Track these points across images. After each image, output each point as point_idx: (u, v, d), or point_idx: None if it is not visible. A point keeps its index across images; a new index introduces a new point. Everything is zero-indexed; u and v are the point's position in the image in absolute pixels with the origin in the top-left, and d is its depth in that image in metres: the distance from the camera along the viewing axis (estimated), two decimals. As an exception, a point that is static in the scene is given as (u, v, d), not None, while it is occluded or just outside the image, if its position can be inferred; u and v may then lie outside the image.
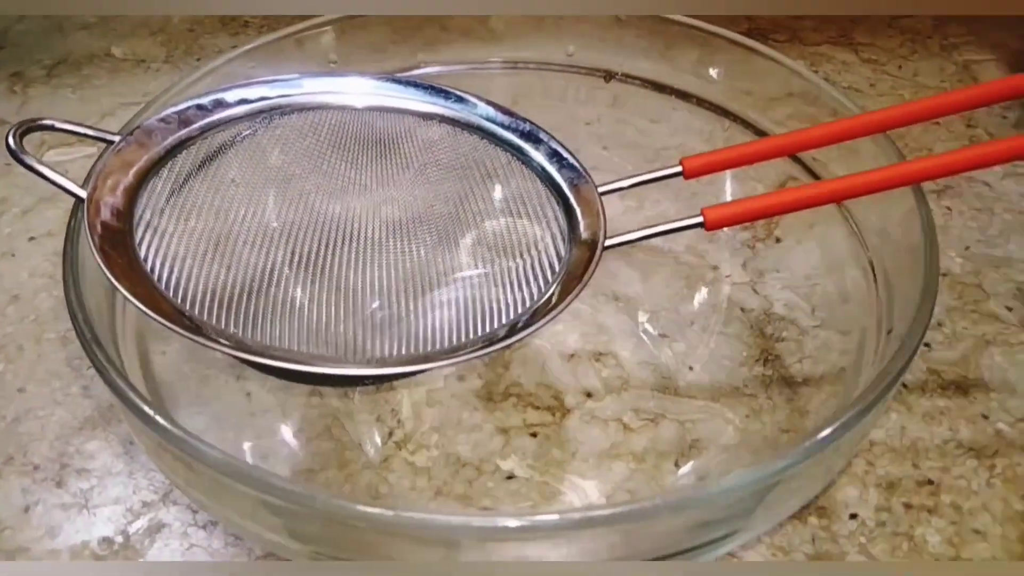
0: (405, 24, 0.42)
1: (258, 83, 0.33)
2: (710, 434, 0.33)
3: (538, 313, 0.27)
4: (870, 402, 0.22)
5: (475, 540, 0.20)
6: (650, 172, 0.31)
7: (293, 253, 0.30)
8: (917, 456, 0.32)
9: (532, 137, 0.33)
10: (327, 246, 0.30)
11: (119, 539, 0.30)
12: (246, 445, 0.33)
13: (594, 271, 0.28)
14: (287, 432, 0.33)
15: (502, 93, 0.36)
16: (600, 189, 0.31)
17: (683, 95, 0.41)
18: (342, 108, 0.33)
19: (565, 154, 0.32)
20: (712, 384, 0.34)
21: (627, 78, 0.41)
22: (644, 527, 0.20)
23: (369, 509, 0.19)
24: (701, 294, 0.38)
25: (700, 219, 0.28)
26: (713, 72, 0.41)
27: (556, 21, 0.42)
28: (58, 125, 0.29)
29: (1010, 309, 0.38)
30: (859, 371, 0.29)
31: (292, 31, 0.38)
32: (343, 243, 0.30)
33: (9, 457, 0.32)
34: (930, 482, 0.31)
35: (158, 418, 0.22)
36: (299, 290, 0.29)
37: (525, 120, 0.33)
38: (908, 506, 0.31)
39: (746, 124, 0.40)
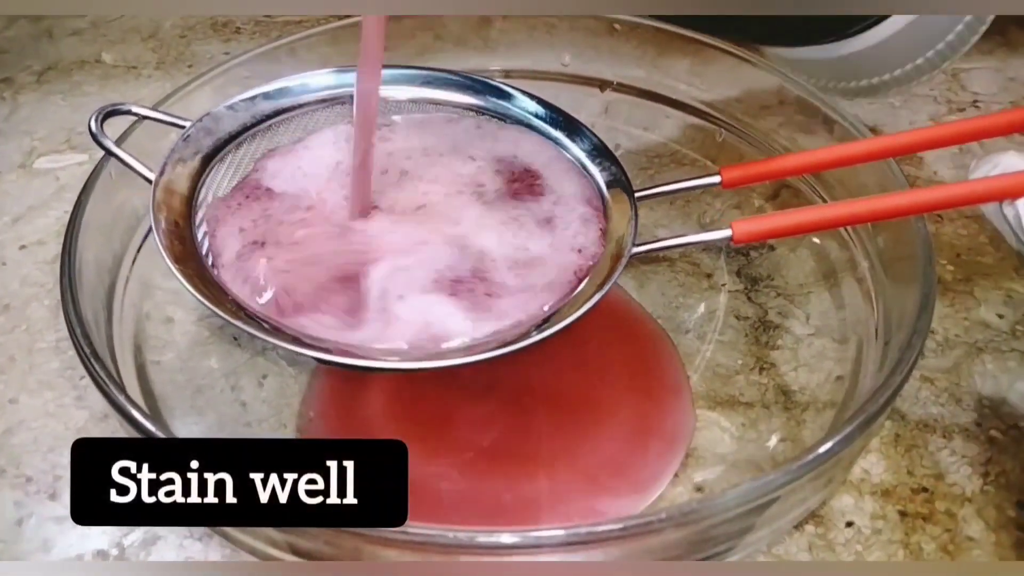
0: (397, 31, 0.42)
1: (322, 73, 0.34)
2: (707, 443, 0.33)
3: (560, 314, 0.27)
4: (872, 414, 0.22)
5: (478, 553, 0.20)
6: (688, 180, 0.31)
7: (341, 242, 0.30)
8: (911, 463, 0.32)
9: (573, 133, 0.33)
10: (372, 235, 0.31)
11: (114, 552, 0.30)
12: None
13: (618, 276, 0.28)
14: (283, 442, 0.33)
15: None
16: (637, 194, 0.31)
17: (676, 103, 0.42)
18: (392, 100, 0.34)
19: (607, 154, 0.32)
20: (708, 392, 0.35)
21: (621, 87, 0.41)
22: (646, 542, 0.20)
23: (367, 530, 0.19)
24: (696, 302, 0.38)
25: (729, 232, 0.27)
26: (705, 80, 0.41)
27: (550, 30, 0.42)
28: (135, 110, 0.31)
29: (1001, 316, 0.38)
30: (856, 381, 0.29)
31: (286, 41, 0.38)
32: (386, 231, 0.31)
33: (1, 470, 0.32)
34: (924, 489, 0.32)
35: (161, 435, 0.22)
36: (343, 278, 0.29)
37: (567, 115, 0.33)
38: (903, 514, 0.31)
39: (740, 133, 0.40)
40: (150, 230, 0.34)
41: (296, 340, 0.26)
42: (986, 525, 0.31)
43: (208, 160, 0.31)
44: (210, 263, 0.29)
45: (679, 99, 0.41)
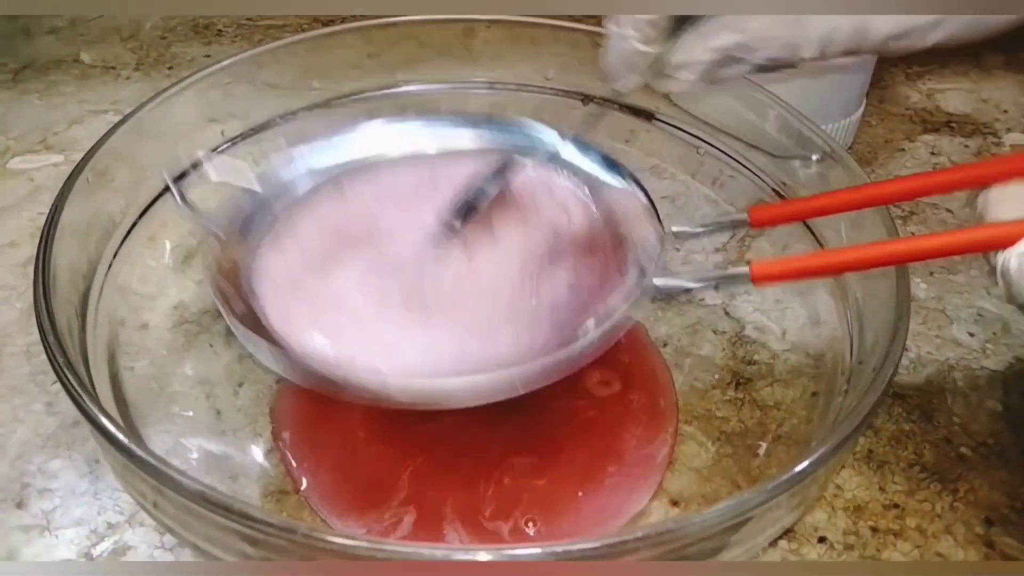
0: (382, 39, 0.42)
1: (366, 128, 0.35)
2: (684, 457, 0.33)
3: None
4: (846, 436, 0.23)
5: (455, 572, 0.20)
6: (718, 218, 0.32)
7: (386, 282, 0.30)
8: (883, 480, 0.33)
9: (612, 169, 0.34)
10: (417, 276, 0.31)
11: (82, 561, 0.29)
12: (216, 465, 0.32)
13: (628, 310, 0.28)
14: (258, 452, 0.33)
15: (479, 111, 0.36)
16: (673, 229, 0.31)
17: (656, 118, 0.42)
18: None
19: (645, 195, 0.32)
20: (685, 406, 0.35)
21: (603, 101, 0.41)
22: (621, 561, 0.20)
23: (348, 541, 0.19)
24: (675, 315, 0.39)
25: (746, 271, 0.28)
26: (685, 97, 0.42)
27: (534, 42, 0.42)
28: (214, 179, 0.32)
29: (972, 335, 0.39)
30: (830, 398, 0.30)
31: (267, 48, 0.38)
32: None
33: (-33, 476, 0.31)
34: (896, 506, 0.32)
35: (134, 447, 0.21)
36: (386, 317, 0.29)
37: (606, 155, 0.34)
38: (875, 529, 0.31)
39: (719, 149, 0.40)
40: (127, 235, 0.34)
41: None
42: (955, 541, 0.31)
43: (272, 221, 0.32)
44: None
45: (660, 113, 0.41)
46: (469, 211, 0.31)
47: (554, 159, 0.34)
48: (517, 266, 0.31)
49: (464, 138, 0.35)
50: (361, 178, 0.34)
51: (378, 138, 0.35)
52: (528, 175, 0.34)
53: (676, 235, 0.31)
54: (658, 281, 0.29)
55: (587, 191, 0.34)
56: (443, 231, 0.31)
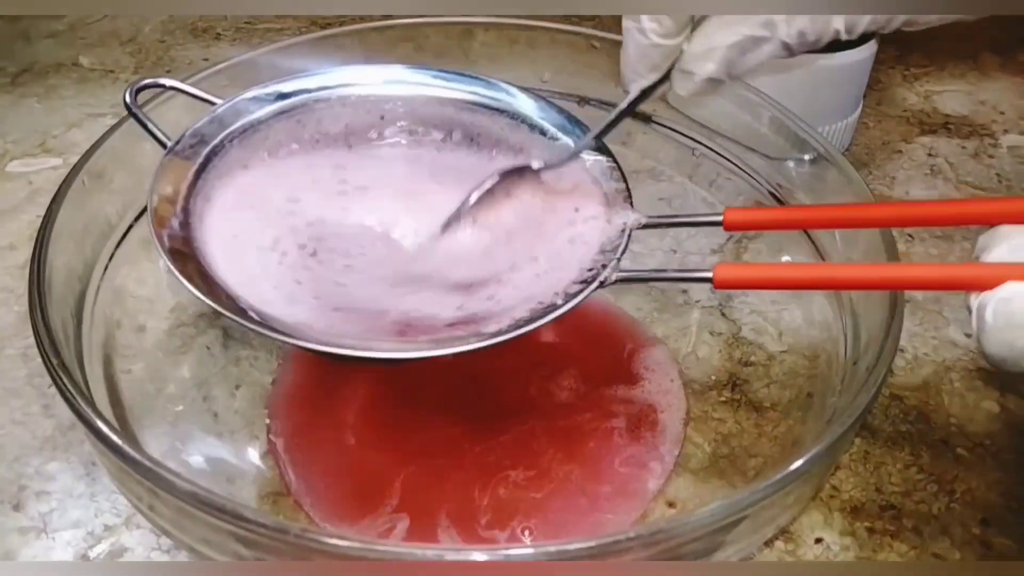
0: (379, 41, 0.42)
1: (345, 68, 0.35)
2: (680, 458, 0.33)
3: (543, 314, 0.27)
4: (840, 435, 0.23)
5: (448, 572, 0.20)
6: (691, 216, 0.33)
7: (341, 231, 0.31)
8: (880, 481, 0.33)
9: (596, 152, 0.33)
10: (372, 228, 0.31)
11: (79, 564, 0.29)
12: (212, 467, 0.32)
13: (589, 295, 0.28)
14: (254, 454, 0.33)
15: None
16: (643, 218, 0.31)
17: (652, 120, 0.42)
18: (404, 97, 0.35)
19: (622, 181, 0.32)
20: (681, 408, 0.35)
21: (600, 103, 0.41)
22: (615, 561, 0.20)
23: (342, 542, 0.19)
24: (672, 317, 0.39)
25: (709, 275, 0.27)
26: (680, 99, 0.42)
27: (531, 44, 0.42)
28: (167, 83, 0.33)
29: (969, 336, 0.39)
30: (825, 398, 0.30)
31: (265, 50, 0.38)
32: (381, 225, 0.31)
33: (-35, 479, 0.31)
34: (892, 507, 0.32)
35: (127, 448, 0.21)
36: (341, 271, 0.29)
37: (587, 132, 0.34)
38: (871, 530, 0.31)
39: (715, 151, 0.40)
40: (123, 237, 0.34)
41: (279, 330, 0.26)
42: (952, 542, 0.31)
43: (228, 140, 0.31)
44: (197, 237, 0.29)
45: (656, 115, 0.41)
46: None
47: (529, 125, 0.34)
48: (468, 233, 0.31)
49: (439, 87, 0.35)
50: (324, 113, 0.34)
51: (351, 76, 0.34)
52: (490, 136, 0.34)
53: (645, 225, 0.31)
54: (618, 271, 0.28)
55: (559, 164, 0.33)
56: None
